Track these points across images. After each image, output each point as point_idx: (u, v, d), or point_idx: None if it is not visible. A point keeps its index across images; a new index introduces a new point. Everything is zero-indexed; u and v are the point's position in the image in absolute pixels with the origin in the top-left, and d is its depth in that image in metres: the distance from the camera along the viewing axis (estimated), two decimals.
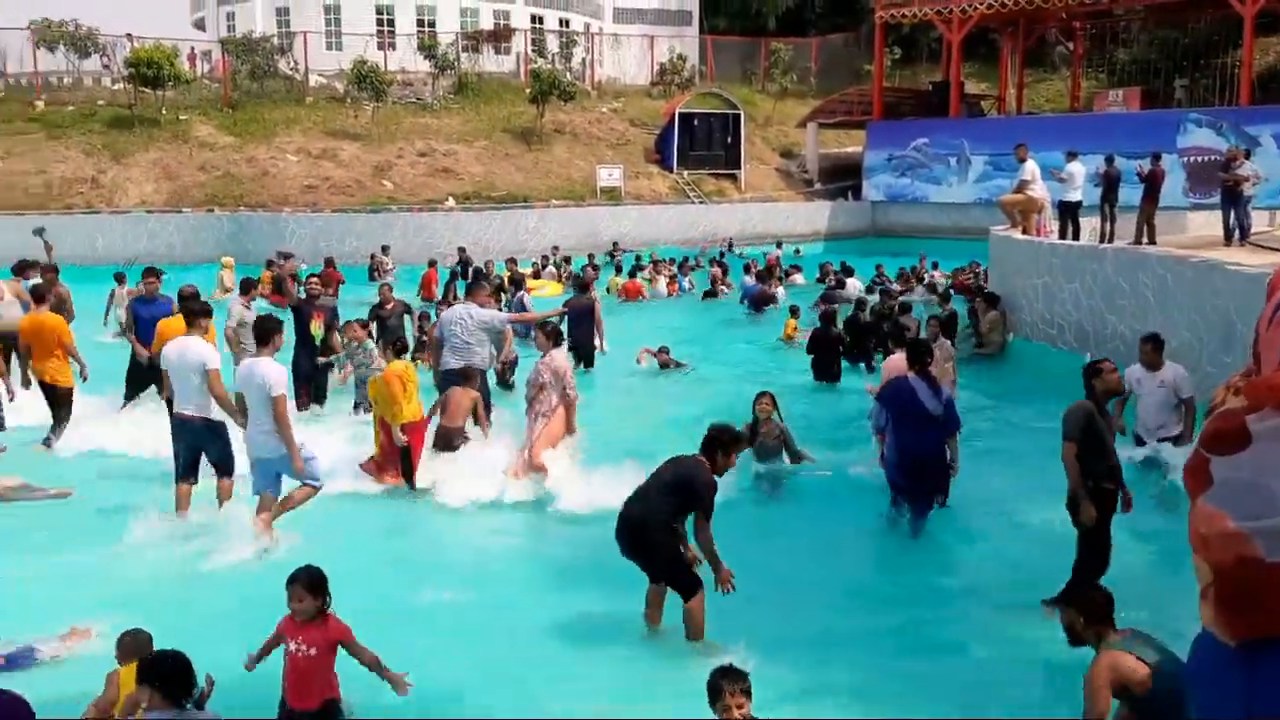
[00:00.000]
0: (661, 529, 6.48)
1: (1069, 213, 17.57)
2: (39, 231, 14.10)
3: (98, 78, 41.05)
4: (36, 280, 12.53)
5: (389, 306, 14.21)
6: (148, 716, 4.65)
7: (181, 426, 8.83)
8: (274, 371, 8.21)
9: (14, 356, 11.49)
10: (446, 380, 10.98)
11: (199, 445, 8.79)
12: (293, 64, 40.12)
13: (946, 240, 32.78)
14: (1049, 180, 18.26)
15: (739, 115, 40.25)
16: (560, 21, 48.19)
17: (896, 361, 9.91)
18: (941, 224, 36.42)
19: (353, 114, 37.51)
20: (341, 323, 12.75)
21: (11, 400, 10.96)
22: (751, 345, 18.34)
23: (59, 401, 11.17)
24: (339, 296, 17.49)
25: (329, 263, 22.23)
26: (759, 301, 22.02)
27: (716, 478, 6.60)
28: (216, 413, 8.68)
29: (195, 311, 9.06)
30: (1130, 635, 4.98)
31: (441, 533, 9.13)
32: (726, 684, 4.63)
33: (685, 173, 39.20)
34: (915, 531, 8.65)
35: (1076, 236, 17.40)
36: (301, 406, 12.01)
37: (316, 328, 12.61)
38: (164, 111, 35.55)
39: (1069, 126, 33.77)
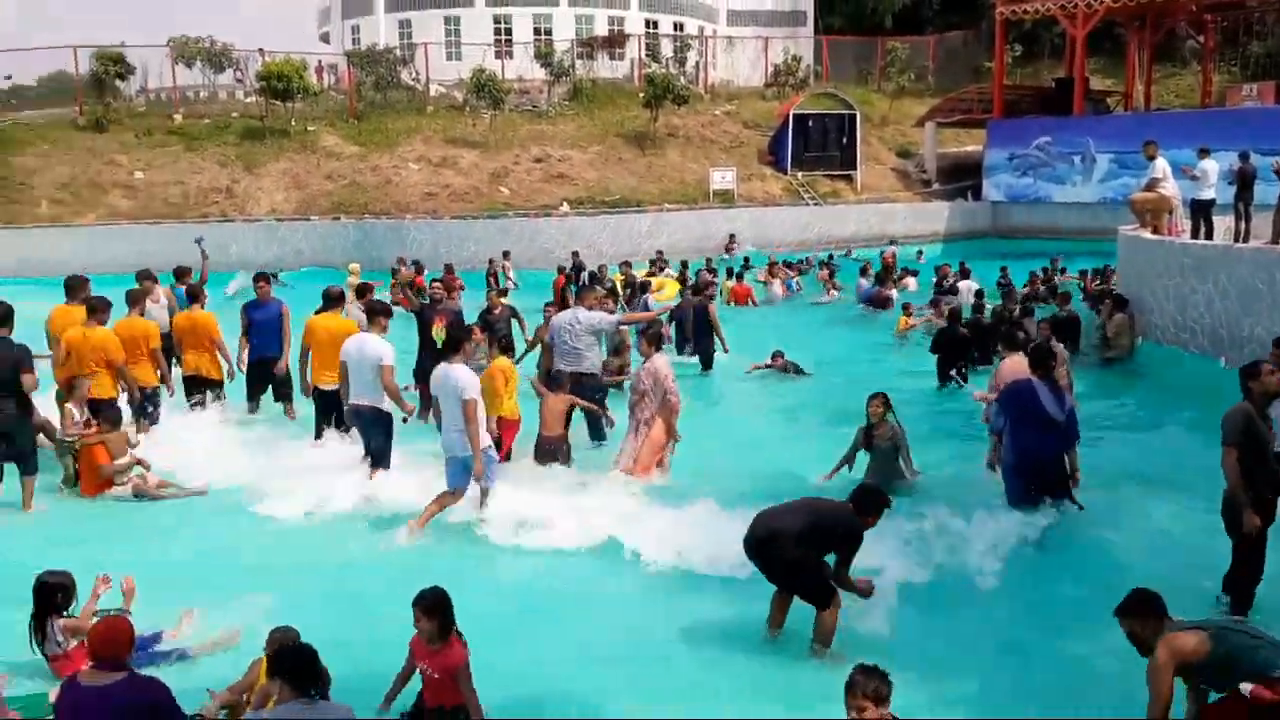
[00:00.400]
0: (787, 543, 6.45)
1: (1201, 212, 16.94)
2: (199, 241, 15.43)
3: (231, 91, 42.94)
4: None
5: (496, 311, 14.86)
6: (279, 709, 4.85)
7: (356, 416, 9.65)
8: (466, 376, 8.68)
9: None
10: (553, 384, 11.16)
11: (369, 433, 9.54)
12: (414, 74, 41.23)
13: (1071, 241, 31.87)
14: (1180, 178, 17.64)
15: (854, 115, 39.80)
16: (674, 25, 48.41)
17: (1012, 365, 9.72)
18: (1066, 224, 35.45)
19: (471, 122, 38.33)
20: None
21: (171, 396, 11.75)
22: (865, 348, 18.16)
23: (211, 388, 12.09)
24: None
25: (448, 269, 22.73)
26: (875, 303, 21.75)
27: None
28: (388, 405, 9.45)
29: (375, 310, 9.78)
30: (1182, 622, 5.11)
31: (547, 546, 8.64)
32: (858, 682, 4.54)
33: (799, 174, 38.95)
34: (1039, 536, 8.46)
35: (1210, 236, 16.77)
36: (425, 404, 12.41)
37: (438, 331, 12.98)
38: (293, 123, 36.93)
39: (1200, 122, 32.44)
